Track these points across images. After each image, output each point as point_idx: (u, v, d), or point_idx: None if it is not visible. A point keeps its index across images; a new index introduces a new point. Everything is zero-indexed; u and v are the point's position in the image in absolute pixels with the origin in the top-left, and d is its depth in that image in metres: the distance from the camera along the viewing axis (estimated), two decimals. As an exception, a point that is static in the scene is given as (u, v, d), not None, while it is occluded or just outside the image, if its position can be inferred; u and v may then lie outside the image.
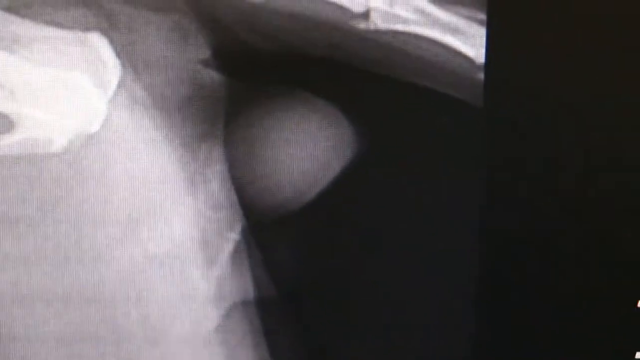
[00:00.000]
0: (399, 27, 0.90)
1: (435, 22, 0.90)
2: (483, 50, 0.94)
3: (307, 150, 0.91)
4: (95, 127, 0.89)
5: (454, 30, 0.91)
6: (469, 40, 0.92)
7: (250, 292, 0.92)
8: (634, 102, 0.94)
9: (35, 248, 0.86)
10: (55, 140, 0.89)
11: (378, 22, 0.90)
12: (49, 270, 0.87)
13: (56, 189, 0.88)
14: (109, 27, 0.87)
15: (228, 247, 0.91)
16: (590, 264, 0.94)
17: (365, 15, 0.90)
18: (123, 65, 0.90)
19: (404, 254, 0.93)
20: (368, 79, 0.91)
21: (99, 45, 0.87)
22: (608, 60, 0.93)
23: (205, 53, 0.88)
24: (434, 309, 0.94)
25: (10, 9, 0.86)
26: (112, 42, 0.89)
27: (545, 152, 0.94)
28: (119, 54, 0.89)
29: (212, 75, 0.89)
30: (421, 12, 0.90)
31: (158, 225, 0.89)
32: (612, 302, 0.95)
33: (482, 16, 0.93)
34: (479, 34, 0.93)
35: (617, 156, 0.94)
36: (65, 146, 0.89)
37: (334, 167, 0.92)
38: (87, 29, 0.87)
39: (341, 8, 0.89)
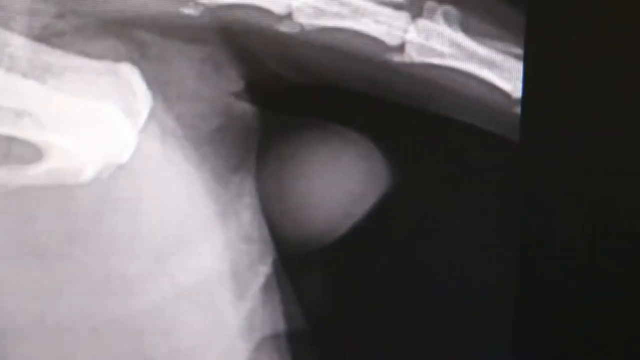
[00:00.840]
0: (435, 60, 0.81)
1: (472, 56, 0.81)
2: (520, 85, 0.85)
3: (339, 183, 0.84)
4: (125, 158, 0.82)
5: (491, 64, 0.81)
6: (505, 75, 0.83)
7: (280, 326, 0.85)
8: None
9: (64, 280, 0.75)
10: (84, 171, 0.82)
11: (413, 56, 0.80)
12: (77, 302, 0.76)
13: (85, 220, 0.79)
14: (140, 57, 0.78)
15: (259, 280, 0.83)
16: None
17: (401, 48, 0.81)
18: (154, 96, 0.82)
19: (437, 291, 0.85)
20: (402, 112, 0.83)
21: (130, 75, 0.78)
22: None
23: (237, 85, 0.80)
24: (467, 351, 0.83)
25: (41, 38, 0.74)
26: (143, 72, 0.82)
27: (582, 188, 0.84)
28: (150, 85, 0.81)
29: (244, 107, 0.80)
30: (457, 45, 0.80)
31: (188, 258, 0.81)
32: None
33: (519, 51, 0.86)
34: (516, 68, 0.85)
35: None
36: (94, 177, 0.82)
37: (366, 201, 0.85)
38: (118, 59, 0.80)
39: (376, 41, 0.80)
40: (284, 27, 0.82)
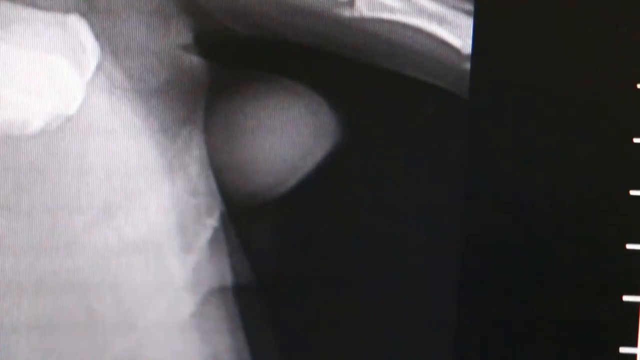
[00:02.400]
0: (385, 15, 0.74)
1: (422, 11, 0.75)
2: (470, 41, 0.79)
3: (288, 137, 0.78)
4: (72, 110, 0.77)
5: (441, 20, 0.75)
6: (456, 31, 0.79)
7: (227, 279, 0.79)
8: (620, 93, 0.79)
9: (9, 232, 0.69)
10: (32, 122, 0.76)
11: (363, 10, 0.74)
12: (22, 255, 0.68)
13: (31, 172, 0.72)
14: (89, 9, 0.72)
15: (206, 233, 0.78)
16: (572, 258, 0.78)
17: (351, 3, 0.75)
18: (102, 48, 0.77)
19: (383, 244, 0.79)
20: (352, 67, 0.75)
21: (78, 27, 0.73)
22: (594, 52, 0.80)
23: (186, 38, 0.74)
24: (413, 301, 0.80)
25: (-11, -10, 0.69)
26: (91, 24, 0.76)
27: (529, 145, 0.80)
28: (98, 37, 0.76)
29: (192, 61, 0.74)
30: (407, 0, 0.72)
31: (135, 211, 0.76)
32: (595, 297, 0.79)
33: (470, 6, 0.80)
34: (466, 24, 0.78)
35: (601, 151, 0.79)
36: (41, 129, 0.76)
37: (314, 155, 0.79)
38: (66, 11, 0.71)
39: (327, -4, 0.72)
40: (233, -20, 0.76)
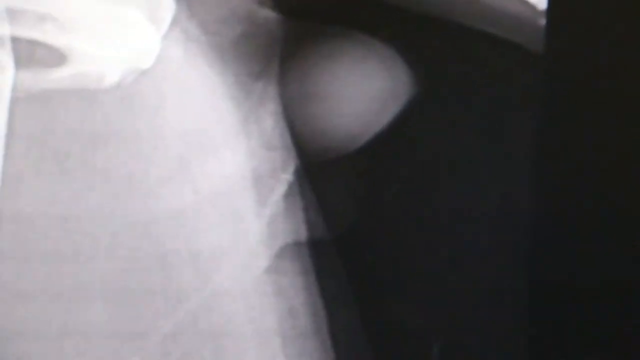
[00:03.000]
0: None
1: None
2: None
3: (362, 92, 0.77)
4: (148, 63, 0.75)
5: None
6: None
7: (302, 233, 0.78)
8: None
9: (86, 185, 0.69)
10: (108, 75, 0.75)
11: None
12: (98, 207, 0.69)
13: (108, 125, 0.74)
14: None
15: (281, 187, 0.77)
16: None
17: None
18: (177, 2, 0.76)
19: (456, 198, 0.78)
20: (426, 22, 0.76)
21: None
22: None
23: None
24: (487, 255, 0.79)
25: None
26: None
27: (603, 102, 0.78)
28: None
29: (267, 15, 0.75)
30: (483, -44, 0.72)
31: (210, 164, 0.76)
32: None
33: None
34: None
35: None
36: (118, 81, 0.75)
37: (388, 110, 0.78)
38: None
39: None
40: None
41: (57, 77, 0.75)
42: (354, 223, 0.78)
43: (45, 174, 0.75)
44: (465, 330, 0.79)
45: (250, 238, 0.77)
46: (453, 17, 0.78)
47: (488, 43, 0.78)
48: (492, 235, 0.78)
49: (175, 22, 0.76)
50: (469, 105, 0.78)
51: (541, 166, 0.78)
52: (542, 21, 0.78)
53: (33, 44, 0.74)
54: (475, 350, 0.80)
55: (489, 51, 0.78)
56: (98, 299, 0.76)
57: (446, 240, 0.78)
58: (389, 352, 0.79)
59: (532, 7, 0.78)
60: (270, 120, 0.76)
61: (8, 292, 0.75)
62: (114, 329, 0.77)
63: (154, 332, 0.77)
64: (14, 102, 0.74)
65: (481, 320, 0.79)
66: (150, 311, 0.76)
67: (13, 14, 0.74)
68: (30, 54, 0.74)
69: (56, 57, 0.75)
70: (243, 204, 0.77)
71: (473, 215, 0.78)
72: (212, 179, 0.77)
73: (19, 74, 0.74)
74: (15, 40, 0.74)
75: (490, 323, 0.79)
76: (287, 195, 0.77)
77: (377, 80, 0.77)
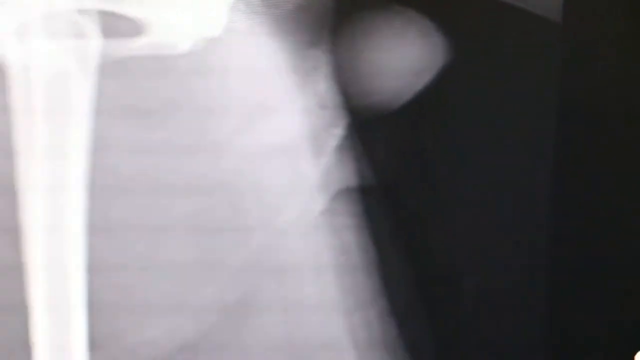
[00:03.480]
0: None
1: None
2: None
3: (403, 57, 0.84)
4: (216, 32, 0.82)
5: None
6: None
7: (353, 181, 0.84)
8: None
9: (163, 139, 0.75)
10: (181, 43, 0.82)
11: None
12: (174, 159, 0.76)
13: (181, 87, 0.81)
14: None
15: (333, 141, 0.84)
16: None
17: None
18: None
19: (482, 157, 0.86)
20: None
21: None
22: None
23: None
24: (515, 202, 0.86)
25: None
26: None
27: (621, 70, 0.84)
28: None
29: None
30: None
31: (273, 121, 0.82)
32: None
33: None
34: None
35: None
36: (190, 49, 0.81)
37: (426, 73, 0.84)
38: None
39: None
40: None
41: (137, 45, 0.81)
42: (395, 171, 0.85)
43: (127, 129, 0.83)
44: (496, 271, 0.87)
45: (308, 184, 0.84)
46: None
47: (510, 12, 0.86)
48: (518, 186, 0.86)
49: None
50: (492, 72, 0.86)
51: (560, 132, 0.85)
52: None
53: (116, 16, 0.81)
54: (501, 288, 0.87)
55: (510, 20, 0.86)
56: (179, 234, 0.83)
57: (478, 188, 0.86)
58: (427, 285, 0.86)
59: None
60: (323, 82, 0.84)
61: (102, 223, 0.82)
62: (191, 261, 0.84)
63: (225, 265, 0.84)
64: (101, 67, 0.81)
65: (509, 263, 0.87)
66: (223, 247, 0.84)
67: None
68: (114, 25, 0.81)
69: (136, 27, 0.81)
70: (302, 155, 0.84)
71: (497, 170, 0.86)
72: (275, 134, 0.84)
73: (104, 43, 0.81)
74: (101, 14, 0.80)
75: (514, 268, 0.87)
76: (339, 147, 0.84)
77: (415, 47, 0.85)
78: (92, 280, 0.81)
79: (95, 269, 0.81)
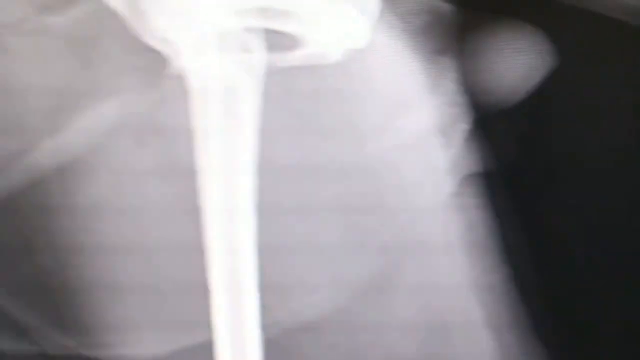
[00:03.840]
0: None
1: None
2: None
3: (513, 65, 0.94)
4: (361, 45, 0.91)
5: None
6: None
7: (478, 167, 0.94)
8: None
9: (317, 126, 0.91)
10: (331, 54, 0.91)
11: None
12: (327, 146, 0.92)
13: (332, 91, 0.92)
14: None
15: (460, 134, 0.93)
16: None
17: None
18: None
19: (595, 140, 0.95)
20: (566, 12, 0.93)
21: None
22: None
23: None
24: (625, 186, 0.93)
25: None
26: None
27: None
28: None
29: (446, 7, 0.93)
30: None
31: (409, 116, 0.93)
32: None
33: None
34: None
35: None
36: (339, 59, 0.90)
37: (532, 78, 0.94)
38: None
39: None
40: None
41: (295, 57, 0.91)
42: (513, 158, 0.95)
43: (290, 129, 0.93)
44: (611, 252, 0.95)
45: (440, 170, 0.94)
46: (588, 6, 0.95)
47: (616, 29, 0.95)
48: (629, 170, 0.95)
49: (380, 14, 0.92)
50: (601, 76, 0.96)
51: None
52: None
53: (277, 33, 0.90)
54: (618, 266, 0.95)
55: (616, 37, 0.96)
56: (332, 215, 0.93)
57: (593, 175, 0.95)
58: (544, 262, 0.95)
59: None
60: (451, 84, 0.94)
61: (274, 207, 0.92)
62: (339, 241, 0.93)
63: (369, 244, 0.93)
64: (266, 77, 0.88)
65: (624, 244, 0.95)
66: (367, 226, 0.93)
67: (263, 11, 0.89)
68: (275, 40, 0.88)
69: (291, 41, 0.90)
70: (434, 146, 0.95)
71: (609, 153, 0.95)
72: (410, 129, 0.94)
73: (268, 56, 0.88)
74: (265, 31, 0.88)
75: (630, 249, 0.94)
76: (465, 140, 0.94)
77: (523, 55, 0.96)
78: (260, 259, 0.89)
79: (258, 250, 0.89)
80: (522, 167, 0.95)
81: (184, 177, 0.89)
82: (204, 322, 0.85)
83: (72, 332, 0.91)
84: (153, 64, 0.87)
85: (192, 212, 0.86)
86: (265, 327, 0.86)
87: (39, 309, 0.91)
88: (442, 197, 0.92)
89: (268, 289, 0.86)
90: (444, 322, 0.91)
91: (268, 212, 0.86)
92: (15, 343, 0.90)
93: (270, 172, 0.90)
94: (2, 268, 0.90)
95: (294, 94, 0.92)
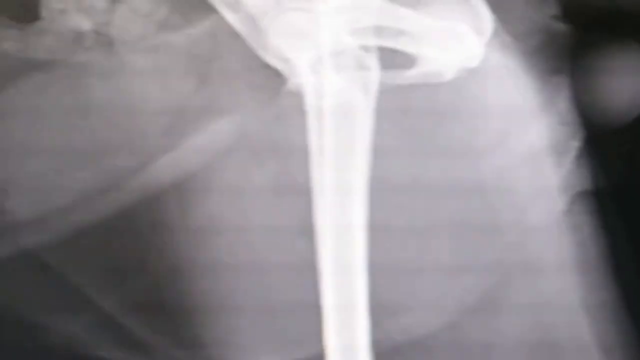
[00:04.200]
0: None
1: None
2: None
3: (625, 84, 0.95)
4: (475, 64, 0.90)
5: None
6: None
7: (588, 184, 0.94)
8: None
9: (432, 148, 0.90)
10: (446, 73, 0.90)
11: None
12: (440, 165, 0.92)
13: (446, 106, 0.92)
14: None
15: (572, 152, 0.93)
16: None
17: None
18: (495, 18, 0.92)
19: None
20: None
21: (478, 4, 0.91)
22: None
23: (556, 10, 0.92)
24: None
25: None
26: (487, 1, 0.92)
27: None
28: (492, 10, 0.91)
29: (560, 27, 0.92)
30: None
31: (521, 135, 0.93)
32: None
33: None
34: None
35: None
36: (453, 77, 0.91)
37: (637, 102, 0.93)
38: None
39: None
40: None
41: (409, 75, 0.91)
42: (624, 176, 0.96)
43: (402, 147, 0.94)
44: None
45: (552, 188, 0.94)
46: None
47: None
48: None
49: (494, 34, 0.92)
50: None
51: None
52: None
53: (392, 51, 0.90)
54: None
55: None
56: (443, 234, 0.93)
57: None
58: None
59: None
60: (563, 103, 0.95)
61: (386, 225, 0.92)
62: (450, 259, 0.91)
63: (479, 263, 0.91)
64: (380, 93, 0.88)
65: None
66: (478, 245, 0.94)
67: (379, 30, 0.89)
68: (390, 59, 0.88)
69: (409, 60, 0.90)
70: (546, 164, 0.95)
71: None
72: (523, 147, 0.94)
73: (382, 74, 0.88)
74: (380, 49, 0.88)
75: None
76: (577, 157, 0.95)
77: (636, 76, 0.98)
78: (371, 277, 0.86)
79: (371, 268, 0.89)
80: (633, 185, 0.96)
81: (298, 195, 0.90)
82: (315, 339, 0.85)
83: (183, 347, 0.92)
84: (270, 82, 0.88)
85: (306, 231, 0.86)
86: (376, 342, 0.85)
87: (152, 323, 0.91)
88: (554, 215, 0.92)
89: (379, 306, 0.86)
90: (553, 341, 0.90)
91: (380, 230, 0.86)
92: (130, 356, 0.89)
93: (382, 190, 0.90)
94: (118, 283, 0.89)
95: (408, 112, 0.92)
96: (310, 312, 0.86)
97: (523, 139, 0.92)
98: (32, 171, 0.87)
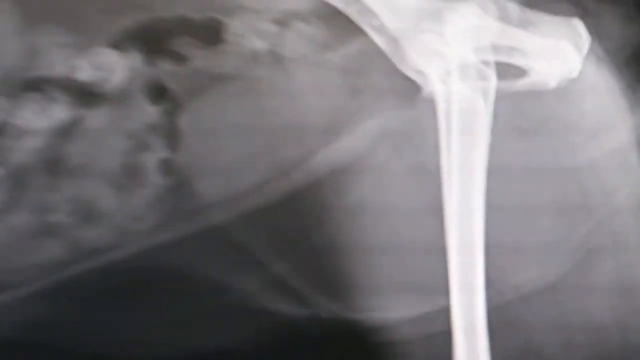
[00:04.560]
0: None
1: None
2: None
3: None
4: (574, 75, 0.99)
5: None
6: None
7: None
8: None
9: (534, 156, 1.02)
10: (549, 83, 1.00)
11: None
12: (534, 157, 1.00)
13: (550, 112, 1.03)
14: (583, 13, 0.97)
15: None
16: None
17: None
18: (591, 37, 0.99)
19: None
20: None
21: (577, 25, 1.00)
22: None
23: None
24: None
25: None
26: (584, 23, 0.99)
27: None
28: (589, 30, 0.99)
29: None
30: None
31: (609, 135, 1.02)
32: None
33: None
34: None
35: None
36: (555, 86, 1.00)
37: None
38: (569, 15, 1.00)
39: None
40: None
41: (520, 84, 0.99)
42: None
43: (514, 140, 1.06)
44: None
45: (636, 177, 1.07)
46: None
47: None
48: None
49: (590, 49, 1.00)
50: None
51: None
52: None
53: (507, 65, 0.99)
54: None
55: None
56: (543, 214, 1.00)
57: None
58: None
59: None
60: None
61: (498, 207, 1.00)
62: (535, 240, 1.01)
63: (564, 243, 1.01)
64: (497, 100, 0.97)
65: None
66: (563, 225, 1.02)
67: (496, 48, 0.99)
68: (505, 71, 0.98)
69: (519, 73, 0.99)
70: (631, 157, 1.06)
71: None
72: (612, 143, 1.03)
73: (499, 83, 0.98)
74: (497, 63, 0.98)
75: None
76: None
77: None
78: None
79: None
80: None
81: (431, 180, 0.98)
82: (443, 293, 0.97)
83: (337, 298, 1.03)
84: (409, 90, 0.98)
85: (436, 211, 0.96)
86: (490, 297, 0.95)
87: (313, 283, 1.01)
88: (638, 198, 1.00)
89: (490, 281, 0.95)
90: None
91: (493, 209, 0.94)
92: (295, 308, 1.01)
93: (496, 174, 0.97)
94: (287, 252, 1.06)
95: (519, 114, 0.99)
96: (439, 290, 0.97)
97: (613, 136, 1.00)
98: (219, 160, 0.99)
